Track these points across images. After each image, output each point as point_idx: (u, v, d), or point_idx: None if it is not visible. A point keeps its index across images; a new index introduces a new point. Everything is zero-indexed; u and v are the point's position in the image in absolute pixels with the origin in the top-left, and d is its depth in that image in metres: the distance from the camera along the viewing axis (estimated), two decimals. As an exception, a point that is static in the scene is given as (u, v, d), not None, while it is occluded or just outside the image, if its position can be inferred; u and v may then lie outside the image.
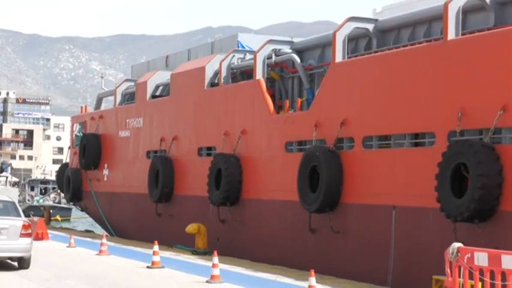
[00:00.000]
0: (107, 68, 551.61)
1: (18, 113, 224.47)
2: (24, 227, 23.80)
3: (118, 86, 48.72)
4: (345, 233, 27.27)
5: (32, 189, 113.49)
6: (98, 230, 50.97)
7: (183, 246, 34.64)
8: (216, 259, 22.52)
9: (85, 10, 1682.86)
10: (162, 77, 42.85)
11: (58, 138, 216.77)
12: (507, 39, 21.91)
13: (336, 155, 27.48)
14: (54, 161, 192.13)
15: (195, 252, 32.77)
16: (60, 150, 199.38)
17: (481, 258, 13.46)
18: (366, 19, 29.39)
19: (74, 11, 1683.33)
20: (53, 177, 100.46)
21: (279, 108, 32.39)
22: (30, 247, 24.13)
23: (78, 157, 49.34)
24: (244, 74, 35.63)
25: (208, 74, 36.85)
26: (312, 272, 18.45)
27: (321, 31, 40.03)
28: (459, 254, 13.83)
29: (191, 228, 34.24)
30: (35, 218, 40.89)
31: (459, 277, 13.87)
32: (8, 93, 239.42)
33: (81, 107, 58.29)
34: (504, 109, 21.34)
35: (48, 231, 37.81)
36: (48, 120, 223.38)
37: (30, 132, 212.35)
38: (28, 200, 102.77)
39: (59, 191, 77.45)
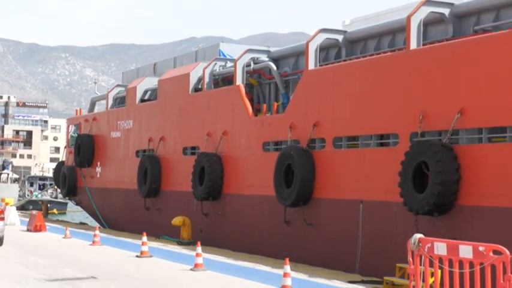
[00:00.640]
0: (100, 75, 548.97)
1: (19, 116, 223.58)
2: None
3: (110, 91, 48.64)
4: (317, 225, 27.30)
5: (31, 185, 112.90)
6: (92, 222, 50.80)
7: (169, 237, 34.58)
8: (199, 249, 22.54)
9: (80, 21, 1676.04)
10: (150, 82, 42.80)
11: (55, 139, 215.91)
12: (463, 49, 22.02)
13: (309, 154, 27.51)
14: (52, 160, 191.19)
15: (181, 243, 32.72)
16: (57, 149, 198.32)
17: (440, 248, 13.49)
18: (336, 30, 29.43)
19: (69, 22, 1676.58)
20: (51, 174, 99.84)
21: (257, 111, 32.40)
22: (3, 228, 28.36)
23: (73, 156, 49.21)
24: (225, 80, 35.62)
25: (193, 80, 36.82)
26: (287, 260, 18.44)
27: (295, 41, 40.04)
28: (420, 244, 13.86)
29: (177, 220, 34.24)
30: (34, 211, 40.76)
31: (420, 265, 13.89)
32: (9, 98, 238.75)
33: (76, 110, 58.10)
34: (461, 112, 21.43)
35: (46, 223, 37.64)
36: (46, 122, 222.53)
37: (29, 133, 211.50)
38: (28, 195, 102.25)
39: (55, 186, 77.17)
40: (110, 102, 47.70)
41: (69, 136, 53.66)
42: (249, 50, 33.83)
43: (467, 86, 21.51)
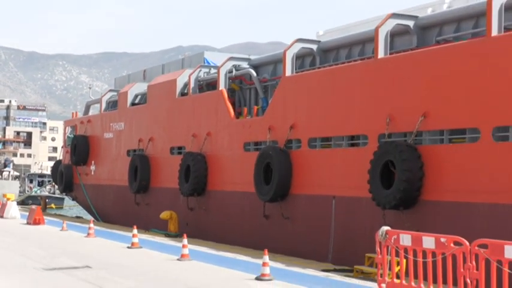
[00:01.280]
0: (94, 80, 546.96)
1: (19, 118, 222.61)
2: None
3: (103, 95, 48.54)
4: (293, 219, 27.31)
5: (31, 181, 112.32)
6: (86, 216, 50.59)
7: (157, 229, 34.50)
8: (185, 241, 22.49)
9: (76, 32, 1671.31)
10: (140, 88, 42.68)
11: (53, 139, 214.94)
12: (427, 58, 22.09)
13: (286, 154, 27.52)
14: (50, 158, 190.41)
15: (168, 235, 32.65)
16: (55, 149, 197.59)
17: (406, 239, 13.52)
18: (310, 40, 29.45)
19: (66, 32, 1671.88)
20: (49, 172, 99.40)
21: (238, 114, 32.38)
22: None
23: (69, 155, 49.03)
24: (209, 85, 35.57)
25: (179, 85, 36.78)
26: (266, 251, 18.43)
27: (273, 50, 40.09)
28: (387, 236, 13.89)
29: (164, 214, 34.18)
30: (33, 206, 40.52)
31: (387, 255, 13.92)
32: (10, 101, 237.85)
33: (72, 113, 57.99)
34: (424, 116, 21.50)
35: (44, 217, 37.43)
36: (44, 124, 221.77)
37: (29, 134, 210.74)
38: (27, 191, 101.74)
39: (53, 183, 76.81)
40: (103, 105, 47.60)
41: (66, 137, 53.52)
42: (231, 58, 33.82)
43: (430, 91, 21.58)
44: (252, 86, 32.85)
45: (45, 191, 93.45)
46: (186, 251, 21.91)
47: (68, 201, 76.83)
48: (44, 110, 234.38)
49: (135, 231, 26.33)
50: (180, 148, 36.32)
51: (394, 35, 24.38)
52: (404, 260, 13.62)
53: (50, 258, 21.73)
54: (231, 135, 31.80)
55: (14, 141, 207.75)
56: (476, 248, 11.91)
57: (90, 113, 52.44)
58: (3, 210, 40.75)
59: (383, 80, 23.40)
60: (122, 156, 42.45)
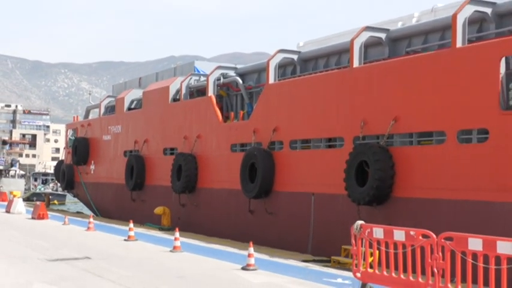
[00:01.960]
0: (94, 87, 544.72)
1: (25, 121, 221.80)
2: None
3: (102, 101, 48.39)
4: (276, 214, 27.31)
5: (35, 180, 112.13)
6: (86, 211, 50.43)
7: (152, 224, 34.43)
8: (177, 234, 22.45)
9: (76, 42, 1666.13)
10: (136, 94, 42.63)
11: (56, 141, 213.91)
12: (397, 67, 22.15)
13: (270, 154, 27.53)
14: (53, 158, 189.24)
15: (161, 229, 32.57)
16: (57, 150, 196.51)
17: (378, 232, 13.53)
18: (291, 51, 29.48)
19: (68, 43, 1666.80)
20: (52, 171, 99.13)
21: (226, 118, 32.37)
22: None
23: (71, 155, 48.92)
24: (199, 92, 35.54)
25: (172, 91, 36.74)
26: (251, 243, 18.42)
27: (257, 60, 40.03)
28: (362, 229, 13.89)
29: (158, 210, 34.16)
30: (38, 202, 40.42)
31: (362, 246, 13.93)
32: (16, 106, 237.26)
33: (74, 117, 57.85)
34: (395, 120, 21.56)
35: (48, 212, 37.29)
36: (48, 127, 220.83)
37: (34, 136, 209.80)
38: (32, 189, 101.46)
39: (56, 181, 76.59)
40: (102, 110, 47.45)
41: (68, 139, 53.35)
42: (219, 67, 33.84)
43: (400, 98, 21.65)
44: (238, 93, 32.85)
45: (48, 189, 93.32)
46: (178, 243, 21.88)
47: (69, 198, 76.57)
48: (47, 114, 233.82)
49: (131, 225, 26.26)
50: (172, 149, 36.26)
51: (367, 46, 24.44)
52: (377, 251, 13.63)
53: (53, 250, 21.64)
54: (219, 137, 31.79)
55: (19, 143, 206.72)
56: (443, 240, 11.93)
57: (90, 117, 52.27)
58: (10, 206, 40.64)
59: (358, 87, 23.44)
60: (119, 156, 42.35)
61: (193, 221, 33.01)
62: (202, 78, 35.70)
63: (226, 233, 29.53)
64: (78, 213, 48.16)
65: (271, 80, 28.47)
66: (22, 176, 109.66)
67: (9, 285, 14.62)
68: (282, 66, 29.63)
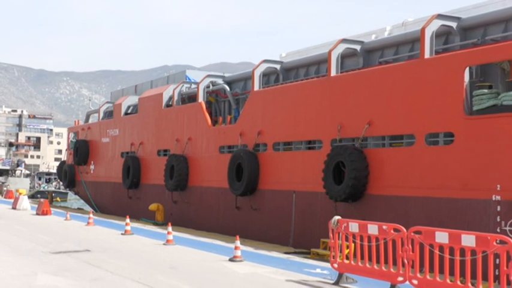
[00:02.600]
0: (94, 94, 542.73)
1: (30, 125, 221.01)
2: None
3: (101, 106, 48.18)
4: (260, 210, 27.30)
5: (40, 179, 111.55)
6: (87, 208, 50.24)
7: (147, 219, 34.35)
8: (170, 228, 22.42)
9: (78, 53, 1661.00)
10: (132, 100, 42.52)
11: (58, 143, 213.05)
12: (371, 76, 22.21)
13: (255, 155, 27.52)
14: (56, 159, 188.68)
15: (156, 224, 32.50)
16: (60, 151, 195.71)
17: (354, 226, 13.56)
18: (274, 61, 29.50)
19: (70, 53, 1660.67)
20: (55, 171, 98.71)
21: (214, 122, 32.33)
22: None
23: (72, 156, 48.73)
24: (190, 98, 35.50)
25: (165, 98, 36.67)
26: (237, 237, 18.42)
27: (243, 69, 40.03)
28: (339, 224, 13.92)
29: (152, 206, 34.06)
30: (42, 199, 40.24)
31: (339, 240, 13.96)
32: (22, 111, 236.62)
33: (75, 121, 57.63)
34: (369, 124, 21.61)
35: (51, 208, 37.13)
36: (51, 130, 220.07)
37: (38, 139, 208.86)
38: (37, 187, 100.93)
39: (59, 180, 76.20)
40: (101, 115, 47.28)
41: (70, 141, 53.12)
42: (209, 75, 33.81)
43: (373, 104, 21.70)
44: (226, 99, 32.83)
45: (51, 187, 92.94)
46: (170, 237, 21.85)
47: (71, 195, 76.20)
48: (50, 119, 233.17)
49: (127, 220, 26.22)
50: (165, 151, 36.18)
51: (344, 57, 24.50)
52: (353, 244, 13.66)
53: (55, 243, 21.55)
54: (209, 140, 31.76)
55: (25, 145, 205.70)
56: (412, 234, 11.97)
57: (90, 121, 52.08)
58: (16, 203, 40.47)
59: (335, 94, 23.48)
60: (117, 157, 42.21)
61: (184, 217, 32.96)
62: (193, 86, 35.67)
63: (215, 228, 29.51)
64: (79, 210, 47.93)
65: (256, 88, 28.48)
66: (27, 175, 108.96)
67: (15, 276, 14.55)
68: (266, 75, 29.65)
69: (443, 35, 21.12)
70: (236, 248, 17.76)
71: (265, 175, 27.15)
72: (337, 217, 14.20)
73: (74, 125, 56.14)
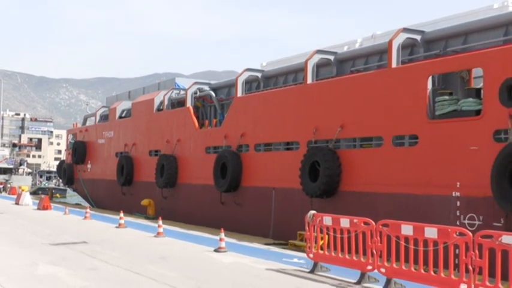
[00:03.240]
0: (90, 99, 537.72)
1: (32, 128, 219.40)
2: None
3: (97, 110, 48.01)
4: (243, 205, 27.29)
5: (41, 176, 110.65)
6: (84, 203, 49.93)
7: (139, 213, 34.24)
8: (160, 222, 22.34)
9: (76, 61, 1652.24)
10: (126, 105, 42.37)
11: (58, 144, 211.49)
12: (343, 84, 22.28)
13: (238, 155, 27.51)
14: (55, 159, 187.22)
15: (147, 218, 32.40)
16: (59, 151, 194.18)
17: (327, 220, 13.58)
18: (256, 70, 29.52)
19: (69, 61, 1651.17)
20: (55, 169, 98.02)
21: (201, 125, 32.27)
22: None
23: (71, 156, 48.46)
24: (179, 103, 35.41)
25: (156, 103, 36.57)
26: (222, 229, 18.38)
27: (228, 77, 40.01)
28: (314, 218, 13.93)
29: (144, 202, 33.98)
30: (42, 196, 40.03)
31: (314, 232, 13.98)
32: (25, 115, 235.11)
33: (73, 124, 57.22)
34: (341, 127, 21.67)
35: (51, 204, 36.87)
36: (51, 132, 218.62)
37: (39, 140, 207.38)
38: (38, 184, 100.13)
39: (58, 178, 75.63)
40: (98, 118, 47.07)
41: (68, 142, 52.76)
42: (196, 83, 33.77)
43: (345, 109, 21.76)
44: (212, 104, 32.79)
45: (51, 184, 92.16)
46: (161, 230, 21.76)
47: (69, 192, 75.67)
48: (51, 122, 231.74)
49: (121, 214, 26.12)
50: (156, 151, 36.07)
51: (319, 66, 24.56)
52: (327, 236, 13.68)
53: (55, 235, 21.40)
54: (196, 141, 31.70)
55: (27, 146, 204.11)
56: (380, 226, 12.01)
57: (87, 124, 51.80)
58: (19, 198, 40.17)
59: (311, 100, 23.52)
60: (112, 157, 42.01)
61: (174, 211, 32.87)
62: (182, 92, 35.60)
63: (202, 221, 29.45)
64: (77, 205, 47.63)
65: (239, 94, 28.47)
66: (29, 173, 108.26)
67: (18, 266, 14.43)
68: (248, 82, 29.66)
69: (409, 47, 21.24)
70: (221, 239, 17.73)
71: (247, 173, 27.14)
72: (313, 211, 14.22)
73: (72, 127, 55.82)
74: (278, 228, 24.74)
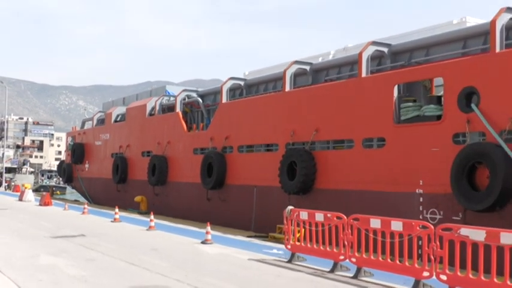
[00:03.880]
0: (88, 104, 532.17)
1: (34, 130, 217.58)
2: None
3: (95, 115, 47.68)
4: (227, 201, 27.26)
5: (42, 175, 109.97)
6: (82, 199, 49.56)
7: (133, 209, 34.07)
8: (152, 216, 22.24)
9: (75, 70, 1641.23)
10: (121, 110, 42.14)
11: (58, 146, 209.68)
12: (318, 91, 22.34)
13: (223, 156, 27.47)
14: (56, 159, 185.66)
15: (140, 213, 32.25)
16: (60, 152, 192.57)
17: (304, 214, 13.60)
18: (239, 78, 29.51)
19: (68, 70, 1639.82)
20: (55, 168, 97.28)
21: (189, 128, 32.17)
22: None
23: (70, 156, 48.10)
24: (169, 108, 35.28)
25: (148, 108, 36.41)
26: (208, 223, 18.37)
27: (214, 85, 39.97)
28: (291, 212, 13.94)
29: (137, 198, 33.88)
30: (44, 193, 39.70)
31: (291, 225, 13.99)
32: (28, 119, 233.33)
33: (73, 127, 56.84)
34: (316, 130, 21.73)
35: (52, 200, 36.57)
36: (52, 134, 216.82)
37: (41, 142, 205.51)
38: (40, 182, 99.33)
39: (58, 176, 75.02)
40: (95, 122, 46.75)
41: (68, 144, 52.38)
42: (185, 90, 33.70)
43: (320, 114, 21.82)
44: (199, 109, 32.71)
45: (52, 182, 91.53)
46: (152, 224, 21.66)
47: (69, 189, 75.14)
48: (52, 125, 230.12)
49: (116, 210, 25.96)
50: (148, 152, 35.91)
51: (296, 75, 24.60)
52: (303, 229, 13.70)
53: (55, 229, 21.22)
54: (184, 143, 31.61)
55: (30, 147, 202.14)
56: (351, 220, 12.05)
57: (85, 127, 51.44)
58: (22, 195, 39.83)
59: (288, 106, 23.56)
60: (108, 157, 41.75)
61: (164, 207, 32.74)
62: (172, 98, 35.49)
63: (190, 216, 29.36)
64: (76, 201, 47.26)
65: (224, 100, 28.44)
66: (32, 172, 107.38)
67: (21, 256, 14.29)
68: (232, 90, 29.63)
69: (377, 58, 21.35)
70: (207, 232, 17.69)
71: (231, 172, 27.11)
72: (291, 207, 14.24)
73: (71, 130, 55.42)
74: (259, 222, 24.74)
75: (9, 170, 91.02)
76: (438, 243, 10.00)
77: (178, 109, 32.74)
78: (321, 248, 13.02)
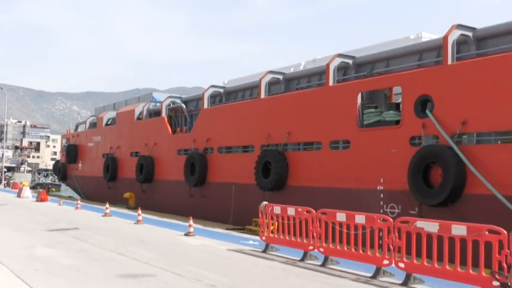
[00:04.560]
0: (82, 109, 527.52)
1: (32, 133, 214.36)
2: None
3: (87, 119, 47.18)
4: (209, 197, 27.18)
5: (39, 174, 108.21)
6: (75, 196, 48.96)
7: (122, 204, 33.78)
8: (140, 211, 22.06)
9: (69, 77, 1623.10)
10: (111, 114, 41.77)
11: (54, 147, 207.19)
12: (290, 98, 22.40)
13: (204, 156, 27.39)
14: (52, 159, 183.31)
15: (129, 208, 31.98)
16: (55, 153, 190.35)
17: (277, 209, 13.61)
18: (219, 86, 29.46)
19: (63, 78, 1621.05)
20: (51, 168, 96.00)
21: (174, 131, 32.03)
22: None
23: (65, 157, 47.54)
24: (156, 113, 35.08)
25: (136, 113, 36.15)
26: (191, 217, 18.29)
27: (196, 92, 39.83)
28: (266, 207, 13.95)
29: (126, 194, 33.63)
30: (40, 190, 39.17)
31: (266, 219, 13.99)
32: (26, 122, 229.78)
33: (67, 130, 56.14)
34: (289, 133, 21.79)
35: (48, 196, 36.06)
36: (48, 137, 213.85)
37: (38, 143, 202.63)
38: (37, 180, 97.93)
39: (54, 175, 74.06)
40: (87, 125, 46.26)
41: (63, 145, 51.81)
42: (170, 96, 33.56)
43: (292, 119, 21.88)
44: (183, 114, 32.56)
45: (48, 180, 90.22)
46: (140, 218, 21.48)
47: (63, 187, 74.21)
48: (48, 128, 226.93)
49: (107, 205, 25.69)
50: (137, 152, 35.65)
51: (270, 84, 24.65)
52: (276, 222, 13.71)
53: (51, 223, 20.92)
54: (169, 144, 31.44)
55: (27, 148, 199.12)
56: (320, 214, 12.09)
57: (79, 130, 50.89)
58: (20, 192, 39.24)
59: (264, 111, 23.59)
60: (99, 157, 41.34)
61: (151, 202, 32.53)
62: (158, 104, 35.29)
63: (174, 211, 29.22)
64: (70, 197, 46.67)
65: (205, 106, 28.36)
66: (29, 171, 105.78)
67: (19, 248, 14.07)
68: (213, 97, 29.56)
69: (343, 69, 21.49)
70: (190, 226, 17.61)
71: (212, 171, 27.05)
72: (265, 202, 14.23)
73: (66, 133, 54.80)
74: (237, 216, 24.72)
75: (8, 169, 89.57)
76: (397, 234, 10.09)
77: (163, 114, 32.57)
78: (293, 239, 13.04)
